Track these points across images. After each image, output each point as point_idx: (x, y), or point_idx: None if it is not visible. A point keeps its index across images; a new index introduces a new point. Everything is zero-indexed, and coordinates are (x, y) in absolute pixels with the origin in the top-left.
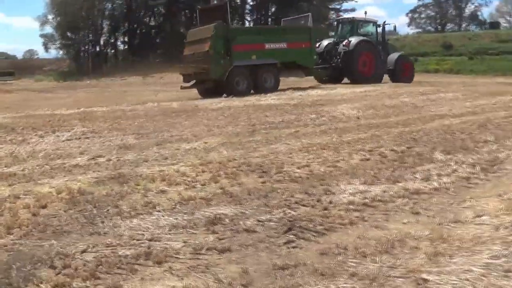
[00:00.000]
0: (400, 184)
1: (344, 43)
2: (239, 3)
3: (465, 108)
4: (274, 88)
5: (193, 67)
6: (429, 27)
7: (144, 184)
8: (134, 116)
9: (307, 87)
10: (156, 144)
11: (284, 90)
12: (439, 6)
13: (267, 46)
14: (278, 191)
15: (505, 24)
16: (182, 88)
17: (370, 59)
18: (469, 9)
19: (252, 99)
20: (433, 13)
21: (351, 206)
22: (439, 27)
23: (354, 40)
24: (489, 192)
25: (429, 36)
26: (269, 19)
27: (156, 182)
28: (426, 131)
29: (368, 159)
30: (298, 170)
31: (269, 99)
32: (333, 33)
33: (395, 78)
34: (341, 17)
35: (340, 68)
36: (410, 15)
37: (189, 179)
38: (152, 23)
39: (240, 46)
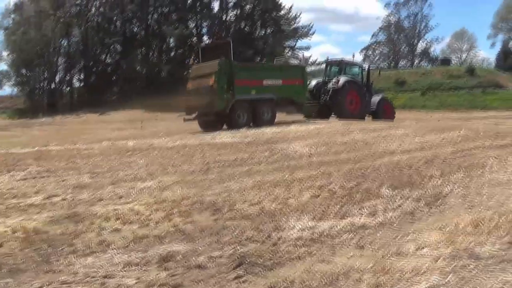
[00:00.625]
0: (347, 220)
1: (333, 81)
2: (195, 41)
3: (415, 144)
4: (271, 121)
5: (197, 100)
6: (383, 64)
7: (98, 223)
8: (89, 155)
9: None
10: (111, 183)
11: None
12: (392, 43)
13: (265, 82)
14: (230, 228)
15: (455, 60)
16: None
17: (356, 98)
18: (421, 46)
19: (207, 138)
20: (386, 50)
21: (299, 242)
22: (392, 63)
23: (343, 79)
24: (432, 225)
25: (382, 73)
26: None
27: (111, 221)
28: (375, 167)
29: (318, 196)
30: (250, 208)
31: (224, 137)
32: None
33: (377, 118)
34: (330, 59)
35: (329, 104)
36: (363, 52)
37: (143, 217)
38: (109, 61)
39: (242, 81)
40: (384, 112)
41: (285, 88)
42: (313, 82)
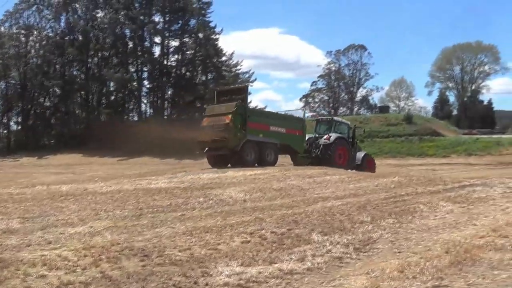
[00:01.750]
0: (276, 265)
1: (325, 137)
2: (135, 85)
3: (349, 190)
4: (274, 163)
5: (212, 135)
6: (323, 111)
7: (24, 269)
8: (21, 200)
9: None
10: (41, 229)
11: (177, 173)
12: (332, 91)
13: (271, 128)
14: (158, 274)
15: (394, 108)
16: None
17: (344, 153)
18: (360, 93)
19: (143, 183)
20: (326, 97)
21: None
22: (332, 111)
23: (333, 135)
24: (359, 270)
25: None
26: (166, 102)
27: (37, 266)
28: (308, 213)
29: (248, 241)
30: (179, 253)
31: (160, 182)
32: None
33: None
34: (321, 117)
35: (320, 158)
36: (304, 99)
37: (70, 263)
38: (47, 104)
39: (253, 124)
40: (367, 166)
41: (287, 136)
42: (306, 137)
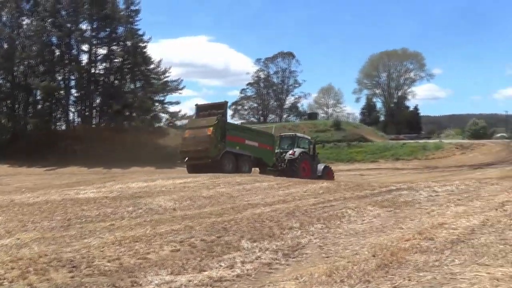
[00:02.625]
0: (206, 273)
1: (290, 152)
2: (63, 94)
3: (278, 196)
4: (249, 172)
5: (194, 146)
6: (252, 118)
7: None
8: None
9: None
10: None
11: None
12: (261, 98)
13: (246, 142)
14: (86, 285)
15: (322, 115)
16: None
17: (307, 166)
18: (289, 100)
19: (71, 193)
20: (255, 105)
21: None
22: (261, 118)
23: (298, 151)
24: (288, 276)
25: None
26: (94, 111)
27: None
28: (237, 220)
29: (178, 250)
30: (108, 264)
31: (89, 192)
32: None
33: None
34: (284, 134)
35: (286, 171)
36: (233, 107)
37: None
38: None
39: (231, 137)
40: (327, 176)
41: (259, 150)
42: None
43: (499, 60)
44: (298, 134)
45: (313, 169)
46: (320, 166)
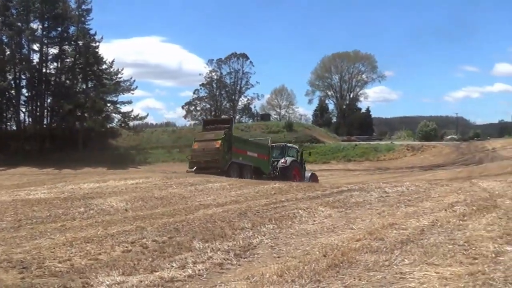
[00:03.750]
0: (157, 273)
1: (282, 161)
2: (13, 93)
3: (230, 197)
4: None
5: (203, 157)
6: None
7: None
8: None
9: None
10: None
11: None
12: (214, 99)
13: (248, 153)
14: (37, 286)
15: (275, 116)
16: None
17: (297, 173)
18: (242, 102)
19: (21, 193)
20: (208, 106)
21: None
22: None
23: (289, 159)
24: (239, 276)
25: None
26: (45, 111)
27: None
28: (189, 221)
29: (130, 251)
30: (59, 265)
31: (40, 193)
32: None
33: None
34: (275, 143)
35: (279, 178)
36: (186, 107)
37: None
38: None
39: (236, 149)
40: (313, 181)
41: (258, 160)
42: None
43: (449, 63)
44: (288, 144)
45: (302, 175)
46: (307, 173)
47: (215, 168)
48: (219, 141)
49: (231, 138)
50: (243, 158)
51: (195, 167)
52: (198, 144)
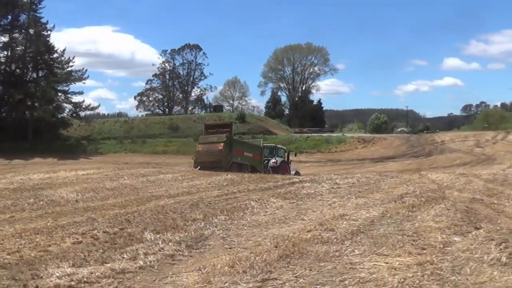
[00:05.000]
0: (108, 265)
1: (273, 161)
2: None
3: (182, 188)
4: None
5: (207, 158)
6: (158, 110)
7: None
8: None
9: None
10: None
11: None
12: (167, 90)
13: (245, 153)
14: None
15: (228, 107)
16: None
17: (285, 171)
18: (195, 93)
19: None
20: (161, 96)
21: None
22: (166, 109)
23: (279, 159)
24: (191, 267)
25: (157, 119)
26: None
27: None
28: (141, 212)
29: (80, 242)
30: (8, 256)
31: None
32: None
33: None
34: (266, 144)
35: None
36: (138, 98)
37: None
38: None
39: (236, 150)
40: None
41: (253, 159)
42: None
43: (399, 57)
44: (278, 146)
45: (289, 173)
46: (293, 171)
47: (218, 168)
48: (222, 144)
49: (232, 140)
50: (241, 158)
51: (199, 167)
52: (202, 146)
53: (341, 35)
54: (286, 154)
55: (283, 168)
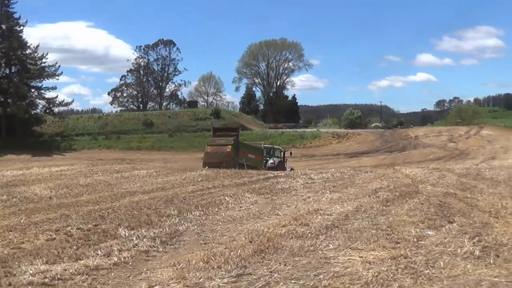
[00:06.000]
0: (82, 262)
1: (271, 161)
2: None
3: (156, 184)
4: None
5: (216, 159)
6: (132, 106)
7: None
8: None
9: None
10: None
11: None
12: (141, 85)
13: (249, 155)
14: None
15: (202, 103)
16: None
17: (282, 169)
18: (169, 88)
19: None
20: (135, 92)
21: (30, 287)
22: (141, 105)
23: (276, 160)
24: (165, 263)
25: (131, 115)
26: None
27: None
28: (115, 208)
29: (54, 239)
30: None
31: None
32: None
33: None
34: (264, 145)
35: None
36: (112, 93)
37: None
38: None
39: (241, 152)
40: None
41: (255, 160)
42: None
43: (374, 53)
44: (275, 146)
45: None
46: (288, 168)
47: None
48: (230, 146)
49: (238, 144)
50: (245, 159)
51: (207, 167)
52: (211, 147)
53: (316, 30)
54: (282, 153)
55: (280, 167)
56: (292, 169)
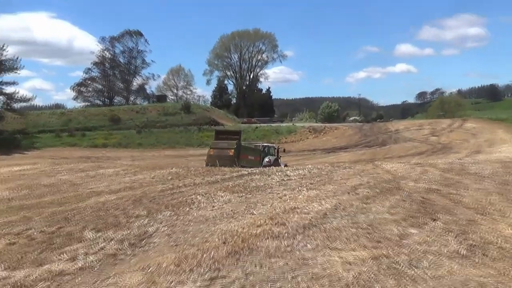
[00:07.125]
0: (45, 267)
1: (267, 160)
2: None
3: (124, 183)
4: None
5: (218, 161)
6: (97, 101)
7: None
8: None
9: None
10: None
11: None
12: (107, 79)
13: (249, 157)
14: None
15: (172, 97)
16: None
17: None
18: (136, 82)
19: None
20: (100, 86)
21: None
22: (107, 100)
23: (272, 158)
24: (134, 266)
25: (96, 110)
26: None
27: None
28: (80, 210)
29: (14, 243)
30: None
31: None
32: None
33: None
34: (259, 143)
35: None
36: (76, 88)
37: None
38: None
39: (243, 155)
40: None
41: (254, 161)
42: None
43: (351, 44)
44: (269, 145)
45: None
46: (282, 164)
47: None
48: (232, 150)
49: (240, 147)
50: (246, 161)
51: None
52: (213, 150)
53: (289, 20)
54: (276, 150)
55: (276, 164)
56: (286, 165)
